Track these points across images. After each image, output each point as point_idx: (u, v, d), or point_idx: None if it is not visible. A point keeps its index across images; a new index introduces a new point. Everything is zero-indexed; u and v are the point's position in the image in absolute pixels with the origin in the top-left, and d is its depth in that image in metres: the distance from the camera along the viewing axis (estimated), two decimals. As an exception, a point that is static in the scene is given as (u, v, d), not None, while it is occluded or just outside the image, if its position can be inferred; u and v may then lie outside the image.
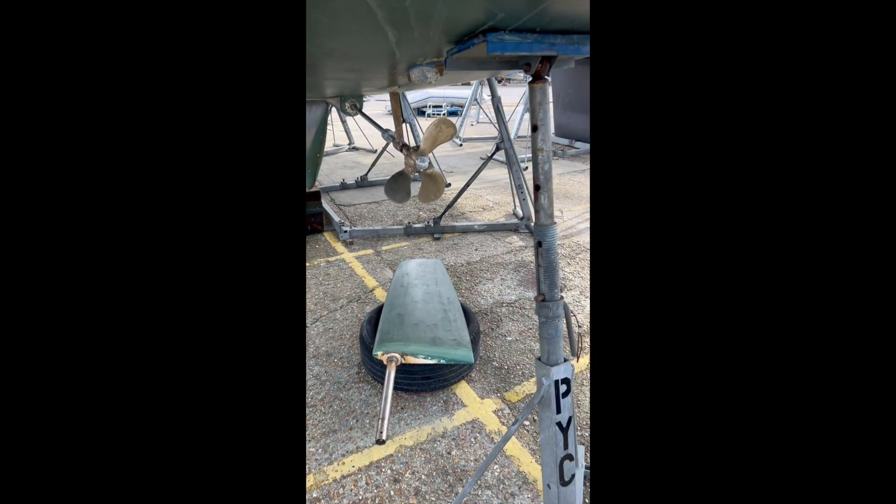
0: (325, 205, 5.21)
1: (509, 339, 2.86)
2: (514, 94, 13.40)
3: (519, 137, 7.98)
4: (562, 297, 1.32)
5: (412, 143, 2.70)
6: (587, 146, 8.36)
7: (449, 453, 2.03)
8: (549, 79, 1.21)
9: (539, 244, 1.28)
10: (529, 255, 4.09)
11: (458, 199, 5.44)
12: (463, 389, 2.44)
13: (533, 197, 1.25)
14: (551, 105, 1.48)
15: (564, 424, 1.36)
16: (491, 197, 5.99)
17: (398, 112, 3.06)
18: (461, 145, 9.38)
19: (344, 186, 6.31)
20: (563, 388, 1.33)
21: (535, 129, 1.21)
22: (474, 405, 2.33)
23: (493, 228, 4.73)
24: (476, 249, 4.27)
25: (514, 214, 5.02)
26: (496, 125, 9.02)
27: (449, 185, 6.43)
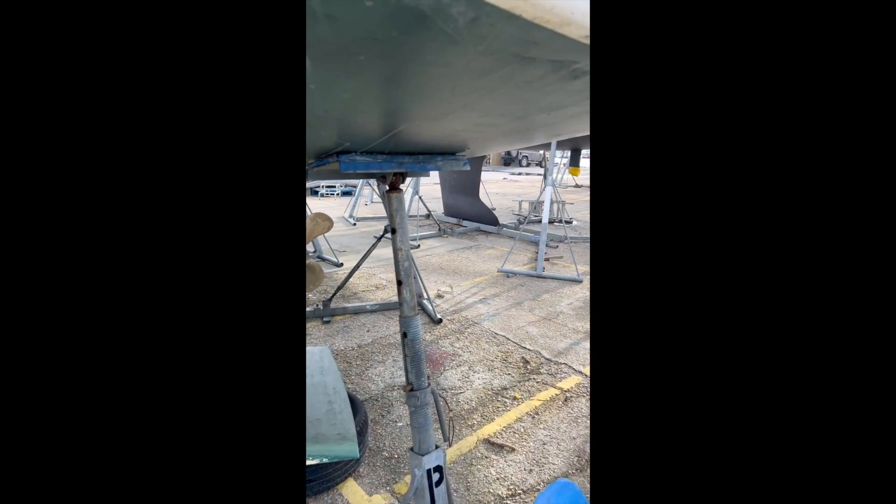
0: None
1: (400, 424, 2.81)
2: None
3: (410, 217, 8.38)
4: (429, 385, 1.39)
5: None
6: (474, 224, 9.06)
7: (333, 567, 1.86)
8: (403, 189, 1.37)
9: (405, 335, 1.36)
10: (422, 332, 4.17)
11: (351, 280, 5.43)
12: (350, 488, 2.30)
13: (397, 290, 1.35)
14: (407, 211, 1.65)
15: (440, 515, 1.37)
16: (384, 275, 6.08)
17: None
18: (354, 224, 9.52)
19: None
20: (435, 476, 1.36)
21: (393, 231, 1.34)
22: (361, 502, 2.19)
23: (385, 307, 4.76)
24: (368, 331, 4.23)
25: (406, 293, 5.13)
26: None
27: (341, 265, 6.41)
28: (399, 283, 1.35)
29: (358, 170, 1.16)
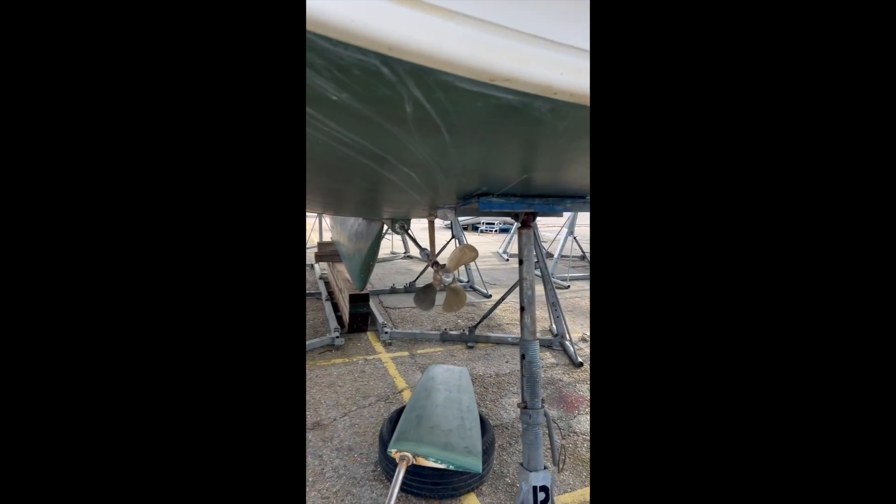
0: (373, 306, 5.67)
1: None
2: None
3: (563, 257, 8.33)
4: (542, 407, 1.50)
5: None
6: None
7: (446, 566, 2.02)
8: (533, 227, 1.56)
9: (523, 357, 1.51)
10: (559, 373, 4.13)
11: (496, 311, 5.69)
12: (471, 501, 2.45)
13: (520, 316, 1.52)
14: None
15: (543, 535, 1.44)
16: (529, 312, 6.17)
17: (433, 236, 3.56)
18: (507, 260, 9.86)
19: (393, 290, 6.82)
20: (541, 495, 1.45)
21: (521, 262, 1.54)
22: (480, 519, 2.32)
23: (526, 342, 4.85)
24: (507, 362, 4.38)
25: (550, 331, 5.13)
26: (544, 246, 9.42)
27: (489, 296, 6.74)
28: (522, 308, 1.52)
29: (493, 209, 1.40)
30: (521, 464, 1.50)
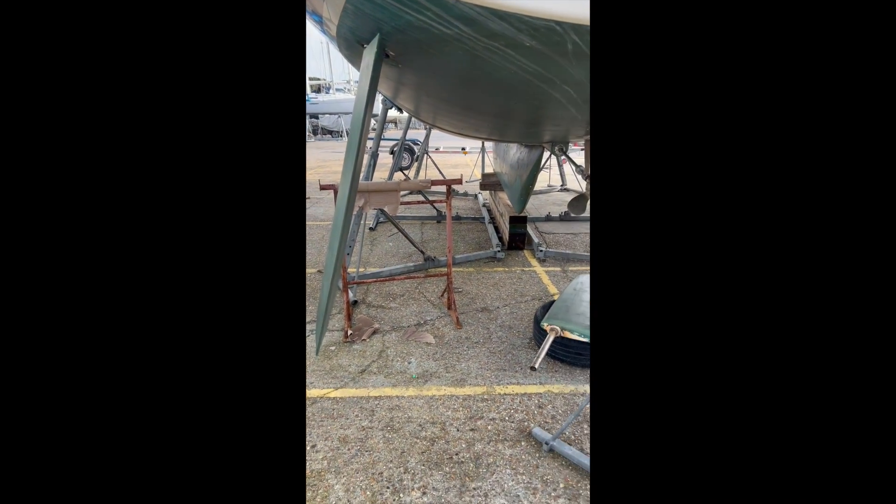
0: (530, 230, 6.27)
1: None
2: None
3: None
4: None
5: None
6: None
7: (585, 405, 2.67)
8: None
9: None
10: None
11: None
12: (608, 373, 3.01)
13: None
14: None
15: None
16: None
17: (587, 154, 3.89)
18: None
19: (549, 218, 7.29)
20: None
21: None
22: (614, 384, 2.88)
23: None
24: (657, 283, 4.58)
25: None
26: None
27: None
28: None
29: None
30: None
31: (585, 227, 6.85)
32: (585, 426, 2.50)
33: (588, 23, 1.05)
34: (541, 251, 5.44)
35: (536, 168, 5.30)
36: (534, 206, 8.34)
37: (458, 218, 7.32)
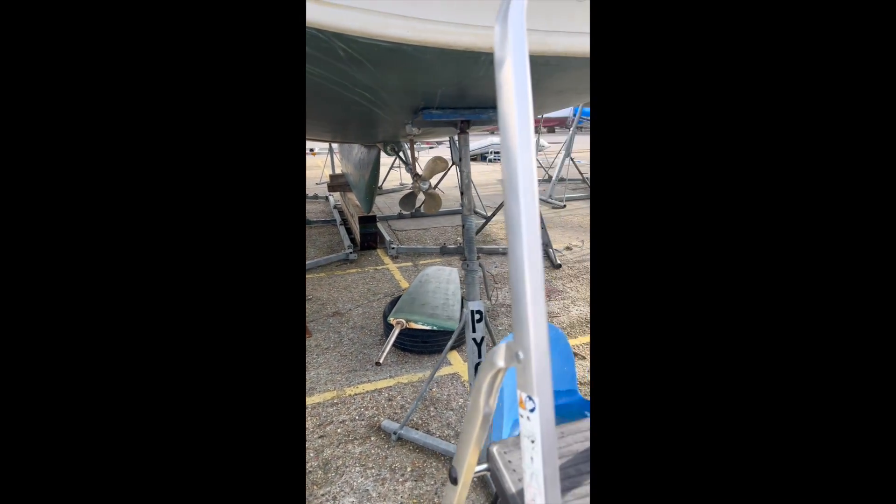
0: (382, 228, 6.36)
1: (500, 329, 3.62)
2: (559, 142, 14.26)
3: (561, 180, 8.73)
4: (479, 259, 2.16)
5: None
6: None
7: (430, 390, 2.84)
8: (468, 132, 2.12)
9: (463, 226, 2.15)
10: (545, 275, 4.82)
11: (492, 228, 6.32)
12: (453, 356, 3.24)
13: (460, 197, 2.13)
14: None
15: (478, 341, 2.16)
16: (524, 228, 6.78)
17: (413, 152, 4.16)
18: (512, 186, 10.28)
19: (400, 216, 7.48)
20: (476, 315, 2.15)
21: (460, 160, 2.13)
22: (459, 365, 3.11)
23: (515, 252, 5.53)
24: (496, 267, 5.07)
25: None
26: (545, 170, 9.73)
27: (490, 218, 7.33)
28: (462, 193, 2.13)
29: (433, 118, 1.96)
30: (463, 297, 2.18)
31: (435, 223, 7.21)
32: (432, 409, 2.66)
33: (353, 32, 1.12)
34: (393, 248, 5.57)
35: (376, 167, 5.40)
36: (386, 205, 8.48)
37: (308, 222, 7.04)
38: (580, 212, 7.70)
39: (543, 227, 5.38)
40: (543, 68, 1.45)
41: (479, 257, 2.13)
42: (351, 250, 5.40)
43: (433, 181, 3.43)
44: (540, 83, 1.82)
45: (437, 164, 2.74)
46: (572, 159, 8.94)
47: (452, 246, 5.65)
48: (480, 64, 1.45)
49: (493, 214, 5.71)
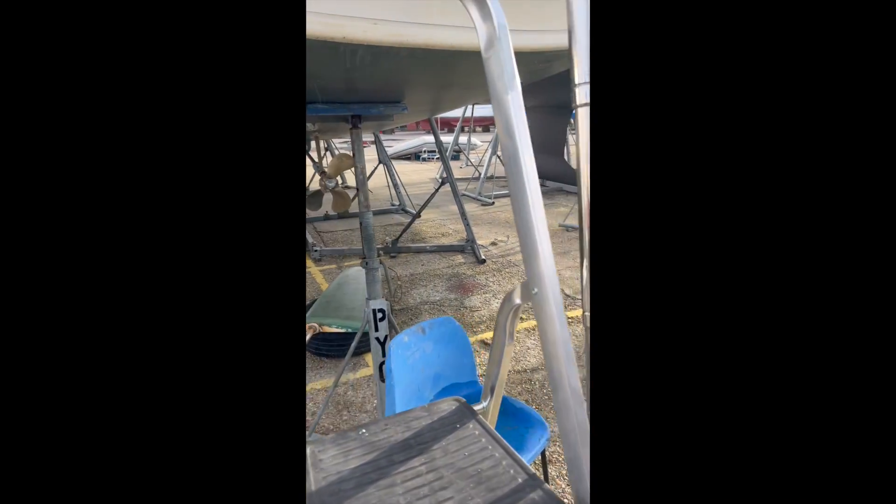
0: (307, 231, 6.14)
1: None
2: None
3: (488, 178, 8.92)
4: (380, 258, 2.12)
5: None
6: (557, 184, 9.24)
7: (345, 393, 2.76)
8: (361, 126, 2.07)
9: (361, 224, 2.10)
10: (465, 269, 4.87)
11: (422, 227, 6.31)
12: (368, 358, 3.18)
13: (357, 195, 2.08)
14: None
15: (381, 340, 2.12)
16: (452, 226, 6.84)
17: (319, 149, 4.07)
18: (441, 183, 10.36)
19: (327, 217, 7.25)
20: (379, 314, 2.11)
21: (354, 155, 2.07)
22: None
23: (442, 249, 5.55)
24: (423, 265, 5.07)
25: (466, 239, 5.83)
26: (475, 168, 9.85)
27: (418, 215, 7.32)
28: (357, 189, 2.08)
29: (320, 113, 1.89)
30: (367, 298, 2.14)
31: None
32: (345, 413, 2.59)
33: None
34: (315, 251, 5.38)
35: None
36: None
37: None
38: (507, 208, 7.92)
39: (467, 223, 5.46)
40: (410, 61, 1.43)
41: (382, 256, 2.08)
42: (270, 254, 5.16)
43: (340, 179, 3.32)
44: (416, 77, 1.82)
45: (344, 162, 2.66)
46: (499, 157, 9.16)
47: (379, 246, 5.57)
48: (358, 57, 1.41)
49: (420, 212, 5.70)
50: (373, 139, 7.51)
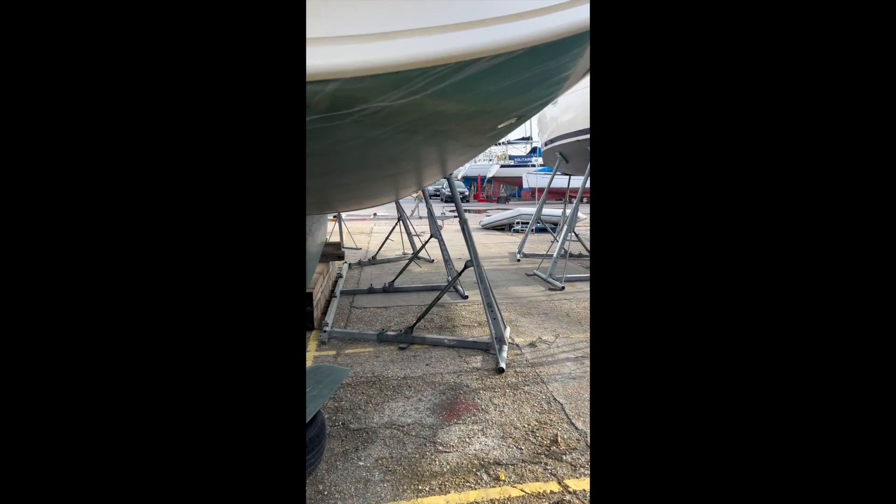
0: (334, 304, 5.75)
1: (360, 463, 2.68)
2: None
3: (562, 257, 7.71)
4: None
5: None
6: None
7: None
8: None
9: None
10: (472, 379, 3.82)
11: (463, 313, 5.43)
12: None
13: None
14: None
15: None
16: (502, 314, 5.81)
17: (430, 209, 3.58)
18: (519, 260, 9.40)
19: (370, 290, 6.83)
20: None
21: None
22: None
23: (462, 345, 4.57)
24: (427, 365, 4.15)
25: (494, 336, 4.76)
26: (576, 240, 8.80)
27: (465, 297, 6.44)
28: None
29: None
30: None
31: (404, 300, 6.45)
32: None
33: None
34: (325, 332, 4.87)
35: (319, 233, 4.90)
36: (375, 276, 7.92)
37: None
38: (578, 296, 6.59)
39: (495, 317, 4.43)
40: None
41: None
42: (277, 331, 4.78)
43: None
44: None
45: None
46: (576, 234, 7.96)
47: (392, 332, 4.82)
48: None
49: (391, 285, 4.86)
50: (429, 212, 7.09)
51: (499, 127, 1.71)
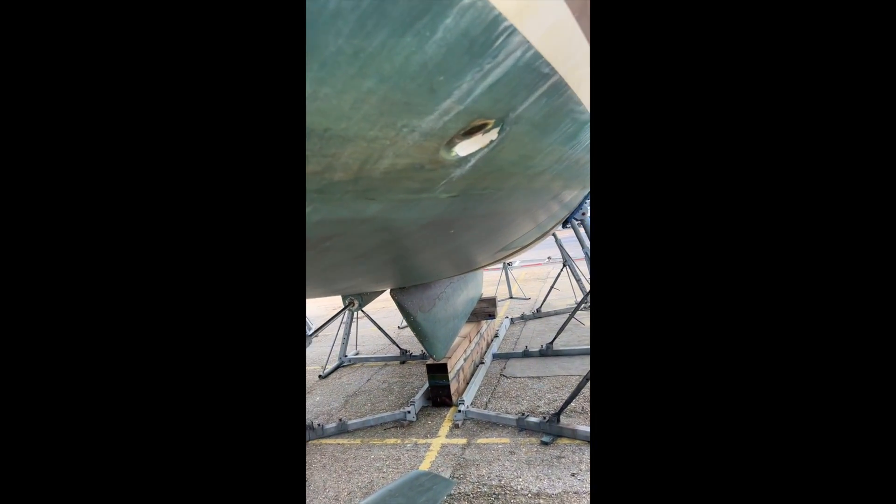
0: (496, 371, 5.10)
1: None
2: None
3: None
4: None
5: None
6: None
7: None
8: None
9: None
10: None
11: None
12: None
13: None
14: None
15: None
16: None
17: None
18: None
19: (526, 353, 5.95)
20: None
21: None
22: None
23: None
24: (573, 475, 3.06)
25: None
26: None
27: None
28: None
29: None
30: None
31: (564, 368, 5.33)
32: None
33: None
34: (460, 412, 4.23)
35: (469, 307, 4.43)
36: (536, 333, 7.02)
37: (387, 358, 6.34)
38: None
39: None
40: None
41: None
42: (411, 408, 4.38)
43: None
44: None
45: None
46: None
47: (535, 419, 3.86)
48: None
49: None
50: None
51: None
